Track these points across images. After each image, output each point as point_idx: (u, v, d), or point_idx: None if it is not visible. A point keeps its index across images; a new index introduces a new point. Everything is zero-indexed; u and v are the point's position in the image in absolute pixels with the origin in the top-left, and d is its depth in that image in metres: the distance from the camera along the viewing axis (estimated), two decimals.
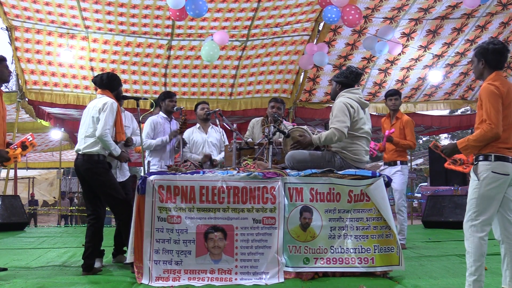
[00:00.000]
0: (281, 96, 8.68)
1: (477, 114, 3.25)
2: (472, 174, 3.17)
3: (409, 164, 5.79)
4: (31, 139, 4.53)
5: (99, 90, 4.33)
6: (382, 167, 5.88)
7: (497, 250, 5.36)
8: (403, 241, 5.55)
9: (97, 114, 4.11)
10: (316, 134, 4.25)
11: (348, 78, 4.25)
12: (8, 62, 4.44)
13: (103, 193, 4.17)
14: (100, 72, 7.75)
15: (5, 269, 4.44)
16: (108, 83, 4.29)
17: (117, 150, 4.18)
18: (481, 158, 3.15)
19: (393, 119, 5.75)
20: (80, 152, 4.14)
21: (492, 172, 3.08)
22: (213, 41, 6.77)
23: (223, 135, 5.48)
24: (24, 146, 4.44)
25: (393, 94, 5.72)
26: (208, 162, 5.11)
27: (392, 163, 5.69)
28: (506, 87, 3.12)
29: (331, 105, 8.90)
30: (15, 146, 4.35)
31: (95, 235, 4.15)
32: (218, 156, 5.30)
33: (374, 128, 8.77)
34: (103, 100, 4.16)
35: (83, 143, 4.14)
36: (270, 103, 5.15)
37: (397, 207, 5.61)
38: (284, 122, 4.98)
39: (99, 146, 4.10)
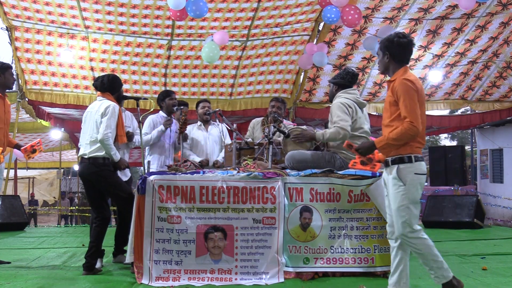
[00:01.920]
0: (281, 96, 8.68)
1: (389, 110, 3.09)
2: (391, 179, 3.01)
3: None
4: (39, 144, 4.95)
5: (99, 93, 4.32)
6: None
7: (497, 250, 5.38)
8: None
9: (99, 118, 4.12)
10: None
11: (345, 79, 4.28)
12: (8, 62, 4.51)
13: (110, 194, 4.24)
14: (100, 72, 7.81)
15: (8, 262, 4.62)
16: (109, 85, 4.29)
17: (117, 155, 4.19)
18: (403, 160, 2.99)
19: None
20: (85, 157, 4.14)
21: (415, 174, 2.98)
22: (213, 42, 6.77)
23: (223, 134, 5.46)
24: (33, 149, 4.91)
25: None
26: (207, 164, 5.13)
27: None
28: (419, 83, 3.07)
29: (331, 105, 8.90)
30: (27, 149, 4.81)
31: (100, 235, 4.17)
32: (219, 156, 5.30)
33: (374, 128, 8.78)
34: (105, 104, 4.16)
35: (89, 148, 4.14)
36: (271, 103, 5.15)
37: None
38: (285, 121, 4.98)
39: (104, 150, 4.12)
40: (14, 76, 4.80)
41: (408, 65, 3.18)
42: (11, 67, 4.74)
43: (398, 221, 3.01)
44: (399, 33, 3.17)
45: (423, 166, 3.03)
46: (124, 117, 4.73)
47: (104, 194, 4.26)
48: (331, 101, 4.35)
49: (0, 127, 4.64)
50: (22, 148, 4.91)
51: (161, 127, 5.10)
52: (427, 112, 9.48)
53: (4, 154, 4.67)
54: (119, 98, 4.42)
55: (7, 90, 4.87)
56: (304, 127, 4.43)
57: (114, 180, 4.21)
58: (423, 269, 4.28)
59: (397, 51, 3.09)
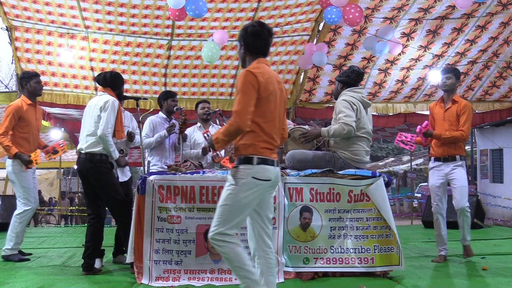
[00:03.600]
0: None
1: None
2: (229, 177, 2.77)
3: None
4: (62, 145, 5.16)
5: (100, 87, 4.32)
6: (431, 164, 4.80)
7: (497, 250, 5.38)
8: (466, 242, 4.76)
9: (98, 113, 4.11)
10: None
11: (350, 77, 4.29)
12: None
13: (103, 193, 4.16)
14: (100, 72, 7.80)
15: (29, 254, 4.98)
16: (111, 81, 4.29)
17: (115, 153, 4.18)
18: (242, 160, 2.73)
19: (447, 103, 4.70)
20: (82, 151, 4.14)
21: (252, 177, 2.68)
22: (212, 42, 6.77)
23: None
24: (55, 150, 5.13)
25: (445, 72, 4.74)
26: (208, 155, 5.13)
27: (449, 158, 4.61)
28: (266, 77, 2.75)
29: (331, 105, 8.90)
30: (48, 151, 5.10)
31: (95, 234, 4.15)
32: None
33: (374, 128, 8.76)
34: (104, 98, 4.15)
35: (85, 142, 4.13)
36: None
37: (459, 207, 4.62)
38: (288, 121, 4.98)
39: (101, 145, 4.10)
40: (41, 83, 5.01)
41: (265, 57, 2.92)
42: (37, 75, 4.96)
43: (215, 218, 2.74)
44: (255, 21, 2.91)
45: (266, 171, 2.70)
46: (123, 116, 4.73)
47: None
48: (336, 99, 4.35)
49: (33, 132, 4.92)
50: (44, 149, 5.12)
51: (164, 132, 5.10)
52: (427, 112, 9.50)
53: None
54: (120, 96, 4.41)
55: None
56: (305, 127, 4.43)
57: (109, 179, 4.16)
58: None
59: (250, 40, 2.83)
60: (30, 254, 5.02)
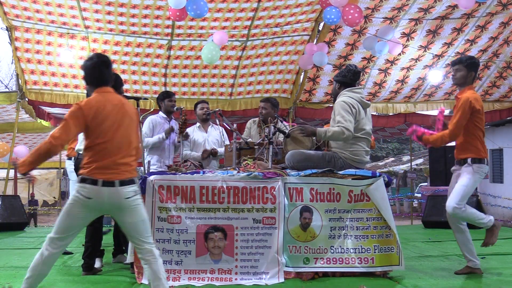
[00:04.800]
0: (281, 96, 8.68)
1: None
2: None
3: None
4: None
5: None
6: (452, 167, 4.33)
7: (497, 250, 5.37)
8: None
9: None
10: None
11: (346, 77, 4.24)
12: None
13: None
14: None
15: (70, 253, 5.03)
16: None
17: None
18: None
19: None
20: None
21: (77, 192, 2.86)
22: (212, 43, 6.77)
23: (222, 134, 5.49)
24: None
25: (453, 63, 4.16)
26: (209, 157, 5.15)
27: (461, 162, 4.05)
28: (97, 105, 2.89)
29: (331, 105, 8.89)
30: None
31: (94, 234, 4.15)
32: (218, 149, 5.33)
33: (374, 128, 8.75)
34: None
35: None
36: (260, 104, 5.27)
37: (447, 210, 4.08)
38: (284, 122, 4.98)
39: None
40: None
41: (106, 85, 3.10)
42: None
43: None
44: (92, 54, 3.12)
45: (88, 189, 2.83)
46: None
47: None
48: (334, 99, 4.32)
49: None
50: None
51: (162, 135, 5.11)
52: (427, 112, 9.50)
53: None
54: None
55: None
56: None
57: None
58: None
59: (88, 72, 3.06)
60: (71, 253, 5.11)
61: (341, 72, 4.32)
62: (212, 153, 5.19)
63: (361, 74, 5.93)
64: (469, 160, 3.96)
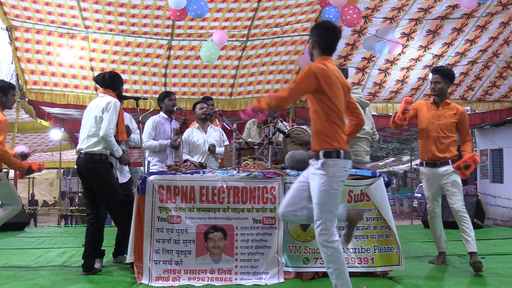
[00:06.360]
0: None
1: None
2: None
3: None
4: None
5: (101, 89, 4.33)
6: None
7: (497, 250, 5.38)
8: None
9: (100, 114, 4.11)
10: None
11: (322, 36, 4.29)
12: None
13: (102, 193, 4.16)
14: (100, 72, 7.80)
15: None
16: (110, 82, 4.29)
17: (119, 151, 4.17)
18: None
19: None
20: (82, 151, 4.14)
21: None
22: (211, 42, 6.76)
23: (222, 134, 5.49)
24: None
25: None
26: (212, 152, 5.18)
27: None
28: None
29: None
30: None
31: (94, 235, 4.15)
32: (218, 149, 5.34)
33: (376, 128, 8.74)
34: (106, 100, 4.16)
35: (86, 143, 4.13)
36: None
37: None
38: (284, 122, 4.98)
39: (101, 145, 4.10)
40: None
41: None
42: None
43: None
44: None
45: None
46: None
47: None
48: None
49: None
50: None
51: (168, 142, 5.13)
52: None
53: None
54: (119, 96, 4.42)
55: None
56: (304, 127, 4.43)
57: (108, 179, 4.16)
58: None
59: None
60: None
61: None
62: (210, 150, 5.19)
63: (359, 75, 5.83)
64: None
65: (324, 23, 3.17)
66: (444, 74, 4.41)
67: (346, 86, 3.11)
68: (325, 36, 3.09)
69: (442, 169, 4.36)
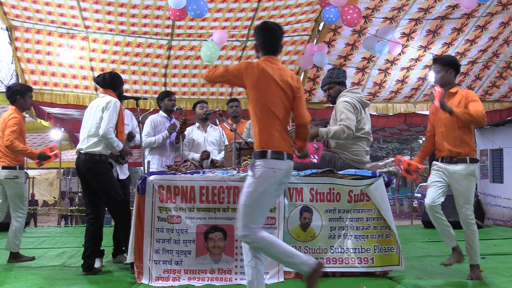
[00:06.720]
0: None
1: None
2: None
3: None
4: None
5: (101, 89, 4.34)
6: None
7: (497, 250, 5.38)
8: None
9: (100, 113, 4.12)
10: None
11: (340, 77, 4.50)
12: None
13: (102, 193, 4.16)
14: (100, 72, 7.79)
15: (32, 258, 4.86)
16: (110, 82, 4.30)
17: (119, 145, 4.19)
18: None
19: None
20: (82, 151, 4.14)
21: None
22: (211, 41, 6.76)
23: (222, 134, 5.49)
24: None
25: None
26: (207, 160, 5.12)
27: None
28: None
29: (331, 105, 8.89)
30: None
31: (94, 234, 4.15)
32: (218, 156, 5.31)
33: (374, 128, 8.75)
34: (106, 99, 4.17)
35: (86, 143, 4.14)
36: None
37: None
38: None
39: (101, 146, 4.11)
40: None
41: None
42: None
43: None
44: None
45: None
46: (123, 115, 4.74)
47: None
48: (333, 102, 4.40)
49: None
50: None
51: (165, 132, 5.12)
52: (427, 112, 9.50)
53: None
54: (120, 96, 4.43)
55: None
56: None
57: (108, 179, 4.17)
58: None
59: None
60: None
61: (338, 73, 4.47)
62: (211, 160, 5.12)
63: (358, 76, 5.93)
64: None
65: (261, 24, 3.12)
66: (443, 62, 4.01)
67: (288, 84, 3.01)
68: (264, 36, 3.06)
69: (458, 167, 4.04)
